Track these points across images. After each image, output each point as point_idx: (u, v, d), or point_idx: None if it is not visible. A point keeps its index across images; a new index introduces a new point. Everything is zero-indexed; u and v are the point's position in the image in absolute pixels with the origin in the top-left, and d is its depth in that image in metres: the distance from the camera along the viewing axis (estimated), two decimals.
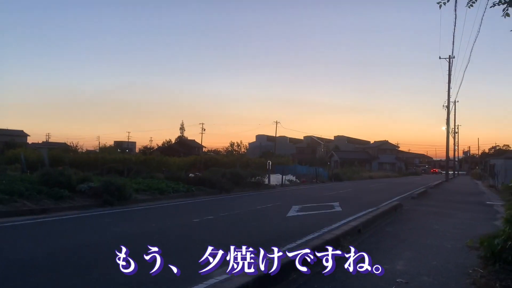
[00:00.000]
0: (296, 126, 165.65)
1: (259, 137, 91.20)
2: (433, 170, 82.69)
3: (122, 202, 12.01)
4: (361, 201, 15.73)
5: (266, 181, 22.95)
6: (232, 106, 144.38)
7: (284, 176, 27.54)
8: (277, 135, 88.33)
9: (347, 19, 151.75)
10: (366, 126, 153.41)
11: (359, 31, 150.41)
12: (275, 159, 45.42)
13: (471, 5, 5.42)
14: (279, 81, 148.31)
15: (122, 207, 11.60)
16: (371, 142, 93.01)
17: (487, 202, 15.98)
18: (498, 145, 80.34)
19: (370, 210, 12.22)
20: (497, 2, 5.12)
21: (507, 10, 5.01)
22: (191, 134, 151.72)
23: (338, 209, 12.62)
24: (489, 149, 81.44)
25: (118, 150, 55.68)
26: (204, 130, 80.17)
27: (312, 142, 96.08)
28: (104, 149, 49.76)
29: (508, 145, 77.06)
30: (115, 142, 80.00)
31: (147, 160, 30.63)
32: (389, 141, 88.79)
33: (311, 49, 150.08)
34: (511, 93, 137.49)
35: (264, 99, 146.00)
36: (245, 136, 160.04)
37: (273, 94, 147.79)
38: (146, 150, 60.80)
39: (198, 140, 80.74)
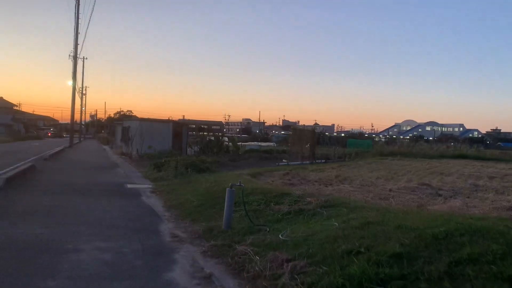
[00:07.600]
0: None
1: None
2: (49, 134, 74.90)
3: None
4: None
5: None
6: None
7: None
8: None
9: None
10: None
11: None
12: None
13: None
14: None
15: None
16: None
17: (128, 186, 10.31)
18: (122, 110, 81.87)
19: None
20: None
21: None
22: None
23: None
24: (115, 114, 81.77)
25: None
26: None
27: None
28: None
29: (131, 111, 79.65)
30: None
31: None
32: (5, 98, 73.30)
33: None
34: (136, 61, 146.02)
35: None
36: None
37: None
38: None
39: None
